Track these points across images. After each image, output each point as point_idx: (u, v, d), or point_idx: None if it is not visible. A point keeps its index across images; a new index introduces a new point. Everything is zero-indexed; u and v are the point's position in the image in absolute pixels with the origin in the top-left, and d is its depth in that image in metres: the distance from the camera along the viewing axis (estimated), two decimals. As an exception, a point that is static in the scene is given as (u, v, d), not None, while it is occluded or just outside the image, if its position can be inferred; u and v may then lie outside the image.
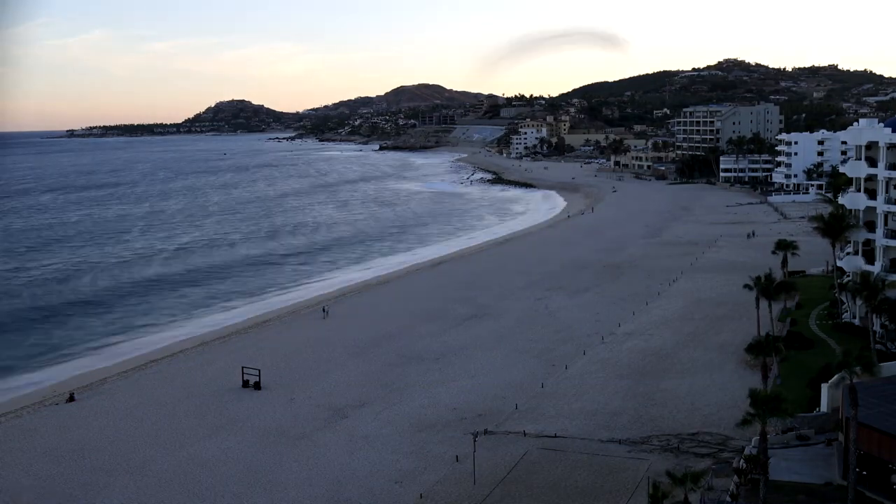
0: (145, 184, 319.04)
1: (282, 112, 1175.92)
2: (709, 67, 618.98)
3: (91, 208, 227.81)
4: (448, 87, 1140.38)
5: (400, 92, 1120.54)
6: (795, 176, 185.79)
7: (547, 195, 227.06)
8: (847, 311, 70.43)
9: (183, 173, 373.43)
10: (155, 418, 59.20)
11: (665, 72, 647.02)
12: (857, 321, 67.50)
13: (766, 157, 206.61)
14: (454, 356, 71.56)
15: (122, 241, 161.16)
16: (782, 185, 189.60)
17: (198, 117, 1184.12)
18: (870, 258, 68.78)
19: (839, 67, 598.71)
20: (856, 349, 48.11)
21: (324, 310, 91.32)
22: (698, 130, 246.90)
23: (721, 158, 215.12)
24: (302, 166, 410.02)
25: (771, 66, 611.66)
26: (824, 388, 47.10)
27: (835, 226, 70.88)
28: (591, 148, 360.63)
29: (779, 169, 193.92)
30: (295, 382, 66.30)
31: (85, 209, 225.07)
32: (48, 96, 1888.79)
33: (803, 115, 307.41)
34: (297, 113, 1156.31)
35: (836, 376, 45.54)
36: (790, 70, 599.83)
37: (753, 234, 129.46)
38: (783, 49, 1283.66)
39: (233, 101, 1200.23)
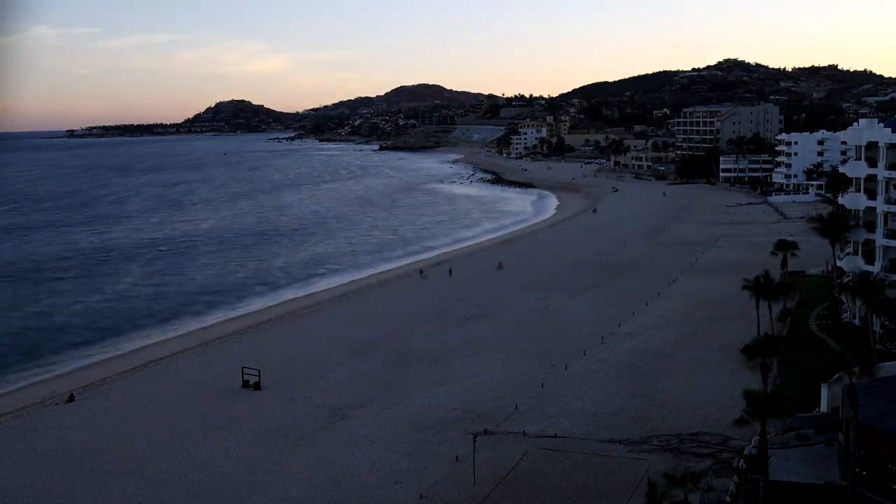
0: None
1: (282, 112, 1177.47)
2: (709, 67, 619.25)
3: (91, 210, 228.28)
4: (448, 87, 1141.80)
5: (400, 92, 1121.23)
6: (795, 176, 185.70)
7: (547, 195, 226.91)
8: (847, 311, 70.45)
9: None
10: (155, 418, 59.21)
11: (665, 72, 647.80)
12: (857, 321, 67.52)
13: (766, 157, 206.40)
14: (454, 356, 71.56)
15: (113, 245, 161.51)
16: (782, 185, 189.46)
17: (197, 117, 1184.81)
18: (870, 258, 68.84)
19: (839, 67, 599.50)
20: (856, 349, 48.27)
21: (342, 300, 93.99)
22: (698, 131, 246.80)
23: (721, 158, 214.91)
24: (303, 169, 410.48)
25: (771, 66, 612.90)
26: (824, 388, 47.12)
27: (834, 226, 70.91)
28: (591, 148, 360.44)
29: (779, 169, 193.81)
30: (295, 382, 66.32)
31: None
32: (39, 95, 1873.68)
33: (803, 115, 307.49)
34: (297, 113, 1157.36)
35: (835, 376, 45.54)
36: (790, 70, 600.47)
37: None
38: (783, 49, 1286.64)
39: (233, 101, 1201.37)
